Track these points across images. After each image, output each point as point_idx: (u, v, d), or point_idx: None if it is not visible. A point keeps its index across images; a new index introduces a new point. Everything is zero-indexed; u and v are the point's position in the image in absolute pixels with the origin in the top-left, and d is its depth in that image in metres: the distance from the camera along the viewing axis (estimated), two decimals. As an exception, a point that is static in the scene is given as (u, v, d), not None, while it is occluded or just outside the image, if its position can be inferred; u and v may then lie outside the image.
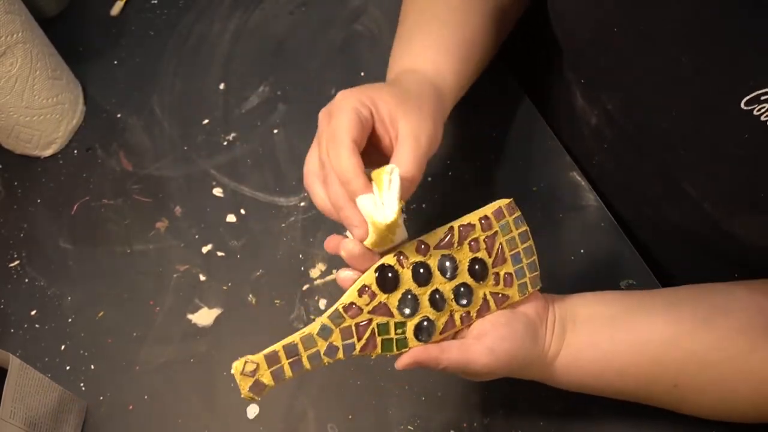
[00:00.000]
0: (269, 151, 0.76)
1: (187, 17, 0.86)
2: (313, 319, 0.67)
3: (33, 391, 0.58)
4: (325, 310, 0.67)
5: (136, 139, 0.79)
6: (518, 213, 0.55)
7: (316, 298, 0.68)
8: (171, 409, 0.65)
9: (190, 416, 0.64)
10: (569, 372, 0.55)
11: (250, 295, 0.69)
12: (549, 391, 0.61)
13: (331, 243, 0.51)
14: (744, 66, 0.45)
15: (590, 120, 0.65)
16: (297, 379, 0.64)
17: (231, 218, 0.73)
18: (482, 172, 0.72)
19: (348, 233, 0.52)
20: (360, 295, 0.50)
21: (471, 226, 0.53)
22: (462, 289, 0.52)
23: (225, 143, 0.77)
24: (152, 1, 0.88)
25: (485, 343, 0.51)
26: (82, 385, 0.66)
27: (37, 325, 0.70)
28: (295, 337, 0.50)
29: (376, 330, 0.50)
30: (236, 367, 0.48)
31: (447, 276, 0.52)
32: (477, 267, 0.53)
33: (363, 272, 0.51)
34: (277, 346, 0.49)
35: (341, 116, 0.51)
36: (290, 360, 0.49)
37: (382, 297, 0.50)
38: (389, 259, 0.51)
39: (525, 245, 0.55)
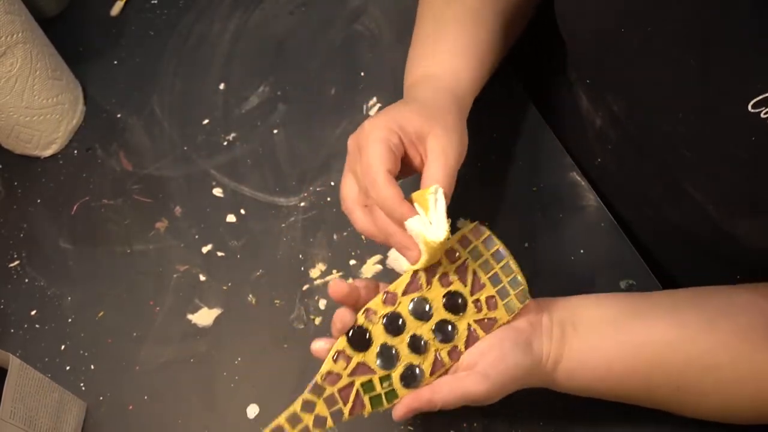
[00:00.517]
0: (269, 151, 0.76)
1: (187, 17, 0.86)
2: (313, 319, 0.67)
3: (33, 391, 0.58)
4: (325, 310, 0.67)
5: (136, 139, 0.79)
6: (487, 234, 0.55)
7: (316, 298, 0.68)
8: (171, 409, 0.65)
9: (190, 416, 0.64)
10: (572, 377, 0.55)
11: (250, 295, 0.69)
12: (549, 392, 0.61)
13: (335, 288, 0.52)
14: (753, 68, 0.45)
15: (595, 121, 0.65)
16: (297, 379, 0.64)
17: (231, 218, 0.73)
18: (483, 172, 0.72)
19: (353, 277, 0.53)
20: (335, 362, 0.51)
21: (437, 263, 0.53)
22: (442, 326, 0.52)
23: (225, 143, 0.77)
24: (152, 1, 0.88)
25: (477, 371, 0.51)
26: (82, 385, 0.66)
27: (37, 325, 0.70)
28: (280, 419, 0.51)
29: (360, 390, 0.51)
30: None
31: (422, 318, 0.52)
32: (453, 300, 0.53)
33: (338, 337, 0.52)
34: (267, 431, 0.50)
35: (372, 148, 0.52)
36: None
37: (358, 357, 0.51)
38: (358, 319, 0.52)
39: (501, 264, 0.54)
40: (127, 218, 0.74)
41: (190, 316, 0.68)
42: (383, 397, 0.51)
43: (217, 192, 0.75)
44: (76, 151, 0.79)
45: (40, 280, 0.72)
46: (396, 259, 0.56)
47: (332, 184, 0.73)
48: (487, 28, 0.64)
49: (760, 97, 0.45)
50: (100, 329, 0.69)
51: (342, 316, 0.52)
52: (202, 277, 0.70)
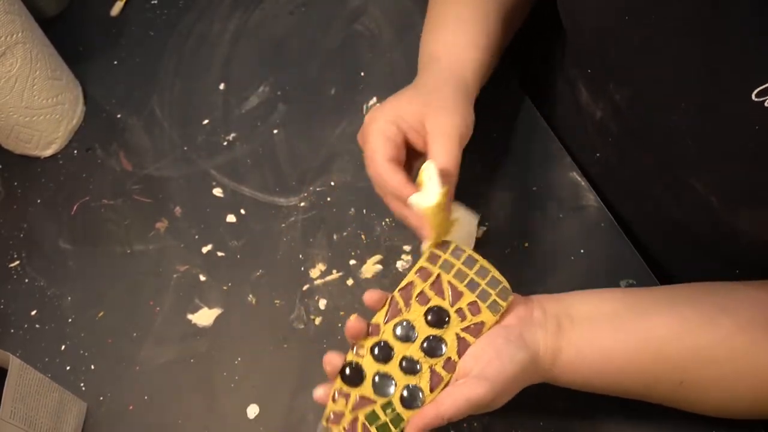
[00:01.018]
0: (269, 152, 0.76)
1: (187, 17, 0.86)
2: (313, 319, 0.67)
3: (33, 391, 0.58)
4: (324, 311, 0.67)
5: (136, 140, 0.79)
6: (453, 245, 0.56)
7: (316, 298, 0.68)
8: (171, 409, 0.65)
9: (190, 416, 0.64)
10: (572, 370, 0.55)
11: (250, 295, 0.69)
12: (549, 391, 0.61)
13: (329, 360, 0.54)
14: (755, 57, 0.45)
15: (595, 114, 0.65)
16: (297, 379, 0.64)
17: (231, 218, 0.73)
18: (482, 172, 0.72)
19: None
20: (335, 401, 0.52)
21: (410, 284, 0.55)
22: (429, 342, 0.53)
23: (225, 143, 0.77)
24: (152, 1, 0.88)
25: (474, 375, 0.51)
26: (82, 385, 0.66)
27: (37, 326, 0.70)
28: None
29: (366, 422, 0.51)
30: None
31: (408, 340, 0.53)
32: (435, 315, 0.54)
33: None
34: None
35: (371, 140, 0.57)
36: None
37: (355, 392, 0.52)
38: (348, 357, 0.53)
39: (475, 269, 0.55)
40: (127, 218, 0.74)
41: (190, 316, 0.68)
42: (389, 424, 0.51)
43: (217, 192, 0.75)
44: (76, 151, 0.79)
45: (40, 280, 0.72)
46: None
47: (332, 184, 0.73)
48: (490, 9, 0.66)
49: (763, 87, 0.45)
50: (100, 329, 0.69)
51: (330, 359, 0.53)
52: (202, 277, 0.70)
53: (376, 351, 0.53)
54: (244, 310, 0.68)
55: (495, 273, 0.55)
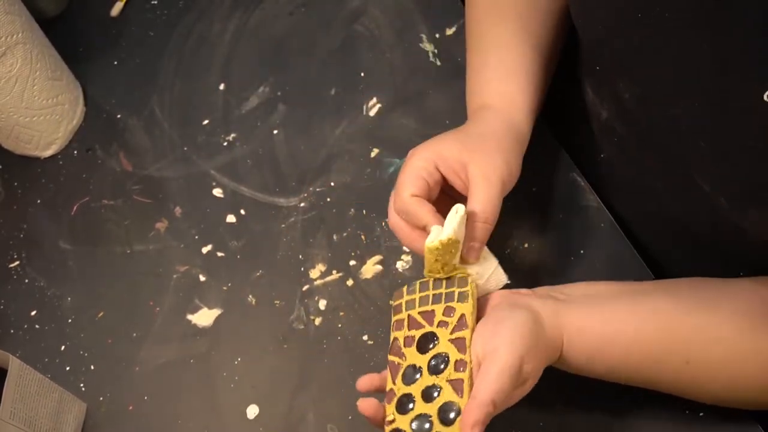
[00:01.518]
0: (269, 152, 0.76)
1: (187, 17, 0.86)
2: (313, 320, 0.67)
3: (33, 391, 0.58)
4: (324, 311, 0.67)
5: (136, 140, 0.79)
6: (405, 286, 0.57)
7: (316, 298, 0.68)
8: (171, 409, 0.65)
9: (190, 416, 0.64)
10: (573, 347, 0.54)
11: (250, 296, 0.69)
12: (549, 391, 0.61)
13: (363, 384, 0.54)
14: (765, 56, 0.45)
15: (600, 114, 0.65)
16: (297, 379, 0.64)
17: (231, 219, 0.73)
18: (482, 172, 0.72)
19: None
20: None
21: (394, 340, 0.55)
22: (432, 364, 0.52)
23: (225, 144, 0.77)
24: (152, 2, 0.88)
25: (489, 351, 0.50)
26: (82, 385, 0.66)
27: (36, 326, 0.70)
28: None
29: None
30: None
31: (417, 375, 0.53)
32: (422, 342, 0.54)
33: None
34: None
35: (404, 176, 0.57)
36: None
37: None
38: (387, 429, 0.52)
39: (431, 286, 0.56)
40: (127, 219, 0.74)
41: (190, 317, 0.68)
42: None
43: (217, 192, 0.75)
44: (76, 152, 0.79)
45: (40, 281, 0.72)
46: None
47: (332, 184, 0.73)
48: (534, 43, 0.64)
49: None
50: (100, 329, 0.69)
51: (366, 406, 0.53)
52: (202, 278, 0.70)
53: (400, 405, 0.52)
54: (244, 311, 0.68)
55: (443, 275, 0.55)
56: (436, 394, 0.51)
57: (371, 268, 0.68)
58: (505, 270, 0.58)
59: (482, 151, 0.57)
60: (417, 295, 0.56)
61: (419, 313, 0.55)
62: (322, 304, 0.68)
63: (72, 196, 0.76)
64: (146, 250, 0.72)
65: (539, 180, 0.71)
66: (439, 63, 0.78)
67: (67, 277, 0.72)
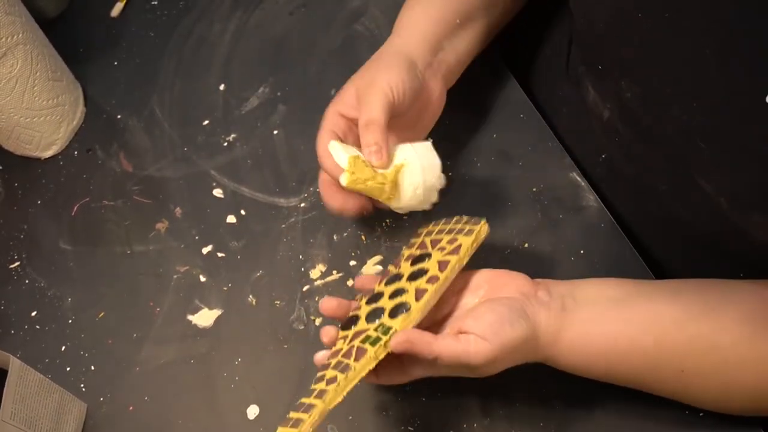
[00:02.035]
0: (269, 152, 0.76)
1: (187, 18, 0.86)
2: (313, 320, 0.67)
3: (33, 392, 0.58)
4: (324, 311, 0.67)
5: (137, 140, 0.79)
6: (435, 221, 0.62)
7: (316, 298, 0.68)
8: (171, 409, 0.65)
9: (190, 417, 0.64)
10: (574, 350, 0.55)
11: (251, 296, 0.69)
12: (549, 391, 0.61)
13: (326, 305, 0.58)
14: None
15: (602, 114, 0.65)
16: (297, 380, 0.64)
17: (231, 219, 0.73)
18: (482, 172, 0.72)
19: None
20: (335, 345, 0.56)
21: (400, 255, 0.62)
22: (413, 273, 0.57)
23: (225, 144, 0.77)
24: (152, 2, 0.88)
25: (477, 333, 0.52)
26: (82, 386, 0.66)
27: (37, 326, 0.70)
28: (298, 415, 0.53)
29: (359, 344, 0.53)
30: None
31: (396, 281, 0.57)
32: (417, 258, 0.58)
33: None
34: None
35: (317, 139, 0.63)
36: (300, 411, 0.53)
37: (351, 331, 0.56)
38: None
39: (452, 222, 0.60)
40: (127, 219, 0.74)
41: (190, 317, 0.69)
42: (380, 336, 0.53)
43: (217, 193, 0.75)
44: (76, 152, 0.79)
45: (40, 281, 0.72)
46: (337, 151, 0.62)
47: (332, 184, 0.73)
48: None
49: None
50: (100, 330, 0.69)
51: (327, 332, 0.56)
52: (202, 278, 0.70)
53: (370, 298, 0.57)
54: (244, 311, 0.68)
55: (461, 217, 0.60)
56: (400, 295, 0.55)
57: (371, 268, 0.68)
58: (506, 269, 0.58)
59: (362, 77, 0.63)
60: (438, 227, 0.61)
61: (431, 239, 0.60)
62: (323, 304, 0.68)
63: (72, 197, 0.76)
64: (146, 250, 0.72)
65: (539, 180, 0.71)
66: (439, 63, 0.78)
67: (67, 278, 0.72)
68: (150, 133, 0.79)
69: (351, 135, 0.63)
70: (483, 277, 0.58)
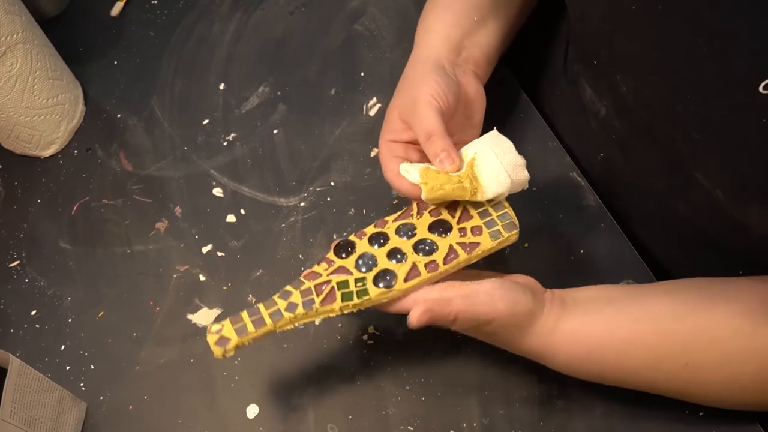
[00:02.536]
0: (269, 152, 0.76)
1: (187, 18, 0.86)
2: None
3: (33, 391, 0.58)
4: (325, 311, 0.67)
5: (136, 140, 0.79)
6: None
7: (316, 298, 0.68)
8: (171, 409, 0.65)
9: (190, 416, 0.64)
10: (573, 339, 0.55)
11: (250, 296, 0.69)
12: (549, 392, 0.61)
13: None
14: (762, 49, 0.45)
15: (599, 111, 0.65)
16: (297, 379, 0.64)
17: (231, 218, 0.73)
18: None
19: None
20: (319, 265, 0.56)
21: (427, 203, 0.58)
22: (422, 242, 0.56)
23: (225, 143, 0.77)
24: (152, 1, 0.88)
25: (485, 288, 0.53)
26: (82, 385, 0.66)
27: (37, 326, 0.70)
28: (258, 304, 0.54)
29: (335, 287, 0.54)
30: (208, 328, 0.53)
31: (405, 237, 0.57)
32: (438, 225, 0.57)
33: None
34: (243, 311, 0.54)
35: (384, 166, 0.61)
36: (253, 318, 0.53)
37: (339, 262, 0.56)
38: (349, 236, 0.58)
39: (494, 202, 0.58)
40: (127, 218, 0.74)
41: (190, 317, 0.68)
42: (354, 293, 0.54)
43: (217, 192, 0.75)
44: (76, 151, 0.79)
45: (40, 280, 0.72)
46: (407, 171, 0.60)
47: (332, 184, 0.73)
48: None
49: None
50: (100, 329, 0.69)
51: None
52: (202, 278, 0.70)
53: (373, 237, 0.57)
54: (244, 310, 0.68)
55: (509, 210, 0.57)
56: (397, 257, 0.55)
57: (371, 267, 0.68)
58: (507, 270, 0.58)
59: (401, 99, 0.62)
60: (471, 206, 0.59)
61: (464, 206, 0.58)
62: (322, 303, 0.68)
63: (72, 196, 0.76)
64: (146, 250, 0.72)
65: (539, 180, 0.71)
66: (439, 63, 0.78)
67: (67, 277, 0.72)
68: (150, 132, 0.79)
69: (412, 157, 0.62)
70: (492, 276, 0.58)
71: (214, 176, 0.76)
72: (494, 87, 0.69)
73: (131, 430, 0.64)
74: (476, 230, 0.56)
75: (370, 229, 0.58)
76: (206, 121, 0.79)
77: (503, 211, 0.57)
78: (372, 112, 0.77)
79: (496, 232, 0.56)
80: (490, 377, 0.63)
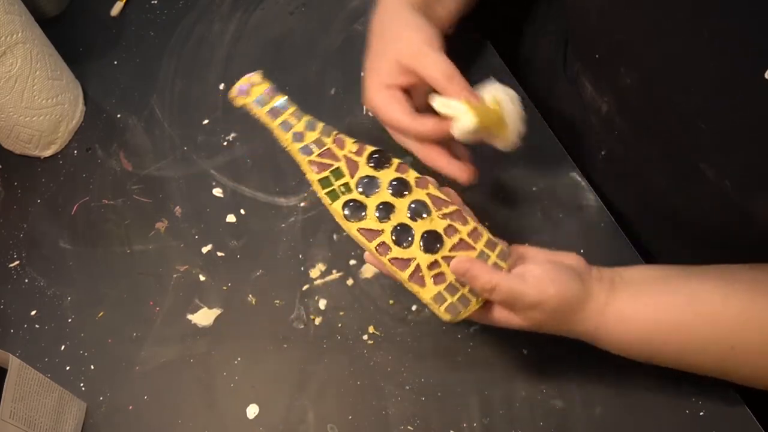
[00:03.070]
0: (269, 152, 0.76)
1: (187, 17, 0.86)
2: (313, 319, 0.67)
3: (33, 391, 0.58)
4: (324, 311, 0.67)
5: (136, 140, 0.79)
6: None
7: (316, 298, 0.68)
8: (171, 409, 0.65)
9: (190, 416, 0.64)
10: (621, 323, 0.54)
11: (250, 296, 0.69)
12: (549, 392, 0.61)
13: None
14: (765, 35, 0.45)
15: (600, 108, 0.65)
16: (297, 380, 0.64)
17: (231, 218, 0.73)
18: (482, 172, 0.71)
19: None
20: (342, 148, 0.60)
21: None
22: (430, 199, 0.59)
23: (225, 143, 0.77)
24: (152, 1, 0.88)
25: (535, 273, 0.53)
26: (81, 385, 0.66)
27: (37, 326, 0.70)
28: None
29: (331, 173, 0.58)
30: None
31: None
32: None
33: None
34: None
35: (384, 113, 0.62)
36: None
37: (355, 157, 0.59)
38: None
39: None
40: (127, 218, 0.74)
41: (190, 316, 0.68)
42: (337, 192, 0.58)
43: (217, 192, 0.75)
44: (76, 151, 0.79)
45: (40, 280, 0.72)
46: (446, 105, 0.60)
47: (332, 184, 0.73)
48: None
49: None
50: (100, 329, 0.69)
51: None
52: (202, 277, 0.70)
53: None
54: (243, 310, 0.68)
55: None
56: (388, 214, 0.58)
57: (371, 267, 0.68)
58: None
59: (403, 40, 0.62)
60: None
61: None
62: (322, 303, 0.68)
63: (72, 196, 0.76)
64: (146, 249, 0.72)
65: (539, 180, 0.71)
66: (439, 63, 0.78)
67: (67, 277, 0.72)
68: (150, 132, 0.79)
69: (414, 102, 0.62)
70: (542, 254, 0.58)
71: (214, 176, 0.76)
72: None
73: (131, 430, 0.64)
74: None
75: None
76: (206, 121, 0.79)
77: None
78: (372, 113, 0.77)
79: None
80: (490, 377, 0.63)
